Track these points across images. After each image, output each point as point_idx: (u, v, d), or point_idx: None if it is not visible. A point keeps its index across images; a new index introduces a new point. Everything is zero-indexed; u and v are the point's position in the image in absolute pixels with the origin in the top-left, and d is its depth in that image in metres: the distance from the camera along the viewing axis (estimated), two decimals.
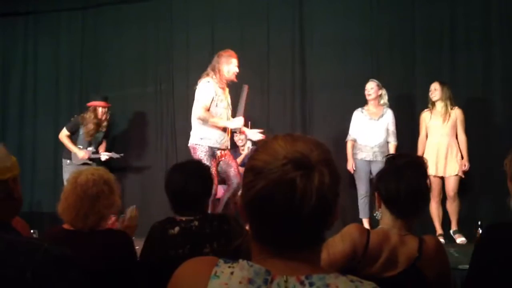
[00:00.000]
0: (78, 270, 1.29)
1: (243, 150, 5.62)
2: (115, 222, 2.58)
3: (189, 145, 4.70)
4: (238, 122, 4.62)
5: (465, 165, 4.83)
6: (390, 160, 1.86)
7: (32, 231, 2.78)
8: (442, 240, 4.84)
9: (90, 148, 5.56)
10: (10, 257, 1.22)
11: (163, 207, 5.57)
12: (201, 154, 4.55)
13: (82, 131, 5.57)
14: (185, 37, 6.29)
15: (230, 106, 4.75)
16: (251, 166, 0.91)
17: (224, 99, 4.67)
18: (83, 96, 6.62)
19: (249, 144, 5.52)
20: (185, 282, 0.91)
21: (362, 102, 5.24)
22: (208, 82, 4.59)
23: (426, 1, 5.58)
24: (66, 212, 2.15)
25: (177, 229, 2.20)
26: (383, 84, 5.20)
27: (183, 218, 2.23)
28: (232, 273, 0.88)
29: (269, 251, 0.91)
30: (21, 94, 6.84)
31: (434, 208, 4.87)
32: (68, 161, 5.54)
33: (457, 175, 4.83)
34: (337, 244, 1.75)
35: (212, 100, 4.55)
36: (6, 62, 6.93)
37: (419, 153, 4.94)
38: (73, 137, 5.58)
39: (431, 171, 4.83)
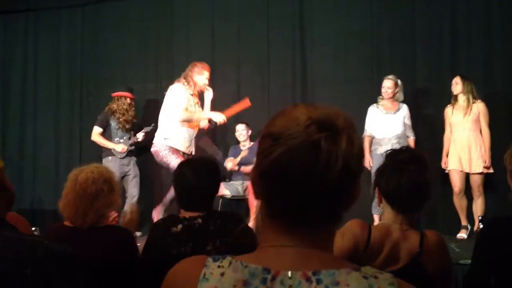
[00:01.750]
0: (79, 267, 1.29)
1: (244, 146, 5.61)
2: (116, 218, 2.58)
3: (151, 149, 4.82)
4: (219, 116, 4.86)
5: (485, 161, 4.72)
6: (391, 155, 1.85)
7: (33, 228, 2.78)
8: (463, 235, 4.80)
9: (124, 138, 5.50)
10: (10, 254, 1.22)
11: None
12: (165, 153, 4.69)
13: (114, 123, 5.48)
14: (185, 33, 6.29)
15: None
16: (268, 133, 0.83)
17: (193, 105, 4.85)
18: (83, 94, 6.63)
19: (247, 144, 5.55)
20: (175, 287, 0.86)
21: (363, 97, 5.24)
22: (182, 86, 4.80)
23: None
24: (66, 209, 2.16)
25: (180, 226, 2.19)
26: (383, 79, 5.19)
27: (187, 216, 2.22)
28: (222, 274, 0.80)
29: (281, 229, 0.83)
30: (22, 91, 6.84)
31: (457, 202, 4.83)
32: (110, 157, 5.40)
33: (481, 173, 4.75)
34: (338, 240, 1.74)
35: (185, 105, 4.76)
36: (6, 59, 6.93)
37: (445, 149, 4.91)
38: (105, 133, 5.50)
39: (454, 165, 4.80)
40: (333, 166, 0.78)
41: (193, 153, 4.92)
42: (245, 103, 5.07)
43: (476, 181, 4.78)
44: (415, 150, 1.93)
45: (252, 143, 5.58)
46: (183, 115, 4.71)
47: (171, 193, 4.72)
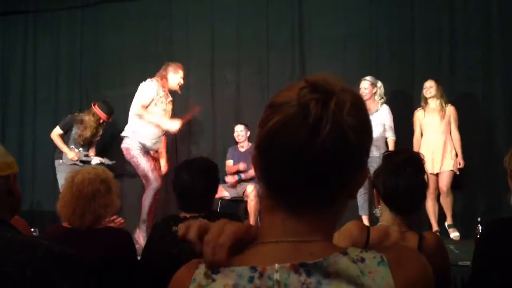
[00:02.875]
0: (78, 267, 1.29)
1: (242, 147, 5.60)
2: (121, 221, 2.59)
3: (122, 145, 4.85)
4: (174, 124, 4.89)
5: (460, 163, 4.86)
6: (388, 156, 1.86)
7: (32, 229, 2.78)
8: None
9: (81, 149, 5.45)
10: (10, 255, 1.23)
11: (162, 206, 5.57)
12: (136, 152, 4.75)
13: (75, 130, 5.43)
14: (184, 34, 6.29)
15: (170, 113, 5.03)
16: (270, 103, 0.80)
17: (164, 102, 4.92)
18: (82, 95, 6.63)
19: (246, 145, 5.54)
20: None
21: None
22: (154, 82, 4.86)
23: None
24: (64, 210, 2.16)
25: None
26: (381, 80, 5.20)
27: (188, 215, 2.23)
28: (205, 273, 0.81)
29: (278, 215, 0.80)
30: (21, 93, 6.84)
31: (430, 205, 4.91)
32: (61, 161, 5.41)
33: (451, 170, 4.85)
34: (337, 241, 1.74)
35: (152, 99, 4.81)
36: (5, 61, 6.93)
37: (414, 150, 4.95)
38: (65, 136, 5.46)
39: (429, 168, 4.85)
40: (322, 130, 0.73)
41: (160, 150, 5.06)
42: (195, 110, 5.27)
43: (444, 179, 4.87)
44: (411, 152, 1.93)
45: (250, 144, 5.58)
46: (138, 110, 4.78)
47: (144, 208, 4.73)
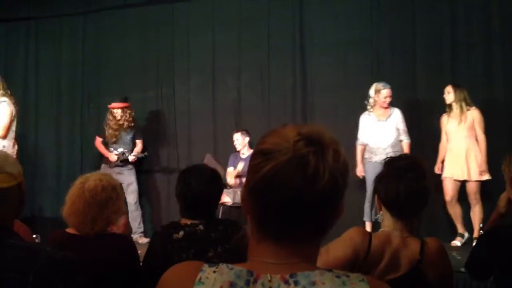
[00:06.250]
0: (80, 273, 1.30)
1: (243, 154, 5.59)
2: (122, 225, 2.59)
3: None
4: None
5: (481, 165, 4.69)
6: (389, 162, 1.86)
7: (34, 235, 2.78)
8: (457, 242, 4.77)
9: (120, 150, 5.61)
10: (12, 261, 1.23)
11: (164, 211, 5.56)
12: None
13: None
14: (185, 41, 6.31)
15: None
16: (259, 150, 0.87)
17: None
18: (84, 101, 6.65)
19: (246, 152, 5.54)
20: None
21: (363, 104, 5.24)
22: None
23: (426, 2, 5.59)
24: (73, 216, 2.14)
25: (181, 233, 2.18)
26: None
27: (188, 222, 2.22)
28: (216, 278, 0.85)
29: (269, 247, 0.87)
30: (23, 99, 6.83)
31: (450, 210, 4.81)
32: (103, 165, 5.64)
33: (476, 180, 4.71)
34: (339, 247, 1.74)
35: None
36: (7, 67, 6.93)
37: (439, 157, 4.91)
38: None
39: (448, 174, 4.78)
40: (320, 179, 0.82)
41: None
42: None
43: (472, 188, 4.74)
44: (413, 157, 1.93)
45: (252, 150, 5.58)
46: None
47: None
